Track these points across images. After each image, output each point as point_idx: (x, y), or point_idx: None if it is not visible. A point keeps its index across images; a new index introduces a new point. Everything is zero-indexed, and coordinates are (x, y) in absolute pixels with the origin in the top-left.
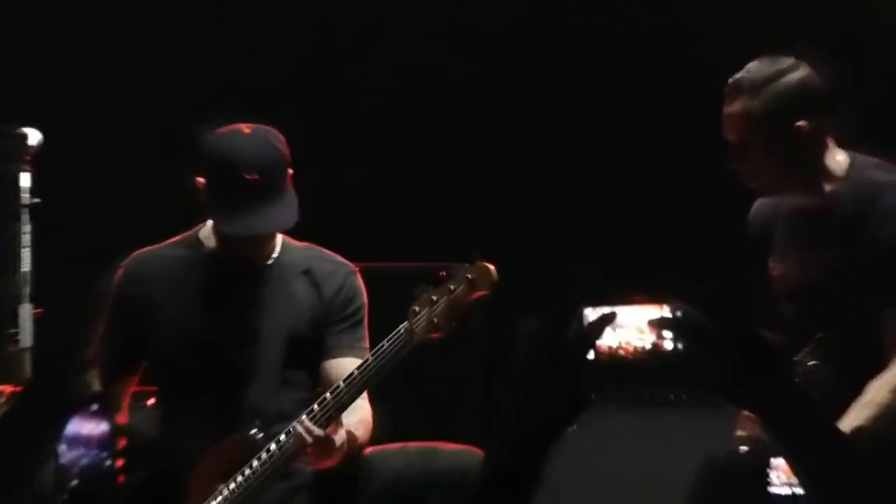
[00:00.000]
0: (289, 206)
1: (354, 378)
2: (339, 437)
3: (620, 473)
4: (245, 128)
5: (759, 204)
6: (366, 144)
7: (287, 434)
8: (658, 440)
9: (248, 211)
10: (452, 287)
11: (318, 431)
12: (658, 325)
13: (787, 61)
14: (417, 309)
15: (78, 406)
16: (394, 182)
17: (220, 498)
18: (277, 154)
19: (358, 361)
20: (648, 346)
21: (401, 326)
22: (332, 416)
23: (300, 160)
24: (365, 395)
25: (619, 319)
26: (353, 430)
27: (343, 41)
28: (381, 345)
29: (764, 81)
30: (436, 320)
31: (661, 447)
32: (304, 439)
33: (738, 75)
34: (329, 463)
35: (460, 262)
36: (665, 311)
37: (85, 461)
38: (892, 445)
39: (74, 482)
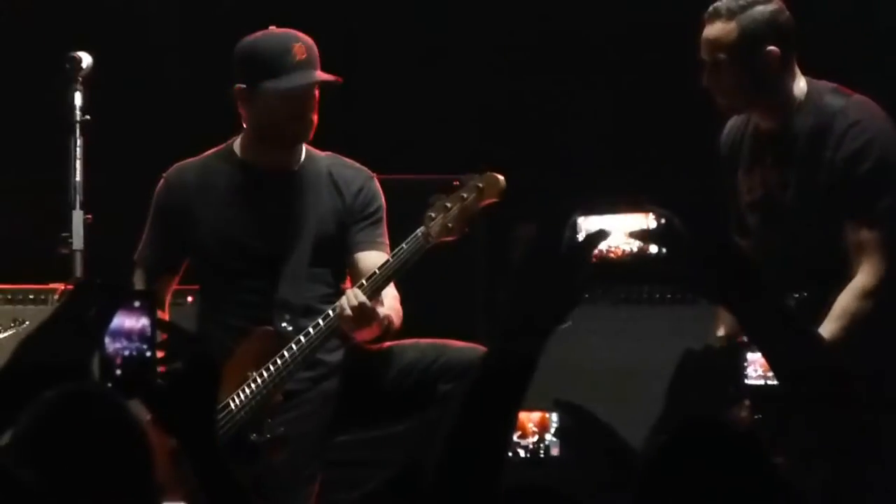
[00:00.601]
0: (329, 74)
1: (376, 276)
2: (381, 309)
3: (609, 364)
4: (272, 27)
5: (731, 123)
6: (384, 64)
7: (327, 316)
8: (644, 334)
9: (299, 72)
10: (465, 195)
11: (363, 298)
12: (642, 232)
13: None
14: (433, 215)
15: (123, 303)
16: (410, 99)
17: (252, 385)
18: (309, 40)
19: (381, 255)
20: (634, 250)
21: (418, 230)
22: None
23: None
24: (394, 289)
25: (608, 226)
26: (388, 312)
27: None
28: (400, 247)
29: (741, 8)
30: (450, 225)
31: (646, 341)
32: (350, 304)
33: (717, 3)
34: (370, 333)
35: (471, 173)
36: (650, 219)
37: (127, 353)
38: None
39: (118, 372)
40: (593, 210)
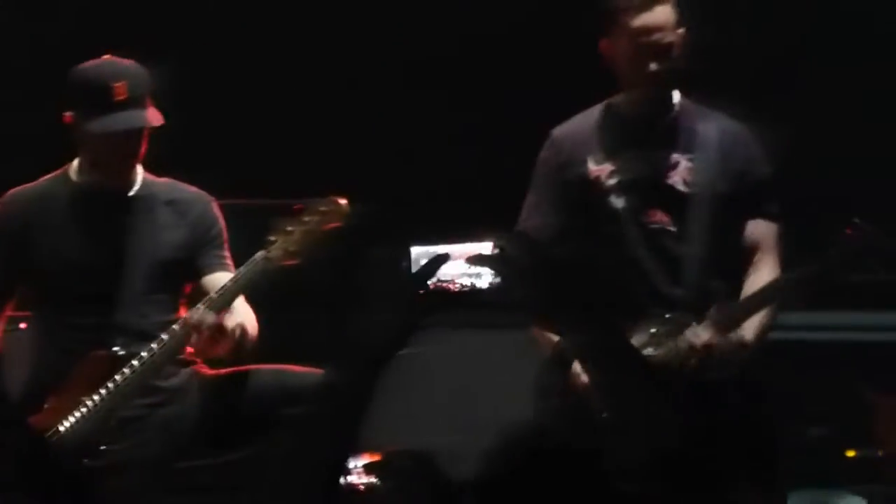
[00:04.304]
0: (152, 112)
1: (213, 299)
2: (231, 321)
3: (455, 388)
4: (107, 56)
5: (565, 130)
6: (231, 87)
7: (160, 340)
8: (488, 358)
9: (115, 112)
10: (306, 219)
11: (211, 318)
12: (480, 257)
13: None
14: (274, 238)
15: None
16: (252, 123)
17: (84, 410)
18: (140, 70)
19: (228, 275)
20: (469, 285)
21: (257, 254)
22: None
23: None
24: (247, 305)
25: (446, 255)
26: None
27: None
28: (238, 270)
29: None
30: (291, 249)
31: (490, 363)
32: (198, 325)
33: None
34: (220, 350)
35: (315, 198)
36: (485, 247)
37: None
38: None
39: None
40: (430, 240)
